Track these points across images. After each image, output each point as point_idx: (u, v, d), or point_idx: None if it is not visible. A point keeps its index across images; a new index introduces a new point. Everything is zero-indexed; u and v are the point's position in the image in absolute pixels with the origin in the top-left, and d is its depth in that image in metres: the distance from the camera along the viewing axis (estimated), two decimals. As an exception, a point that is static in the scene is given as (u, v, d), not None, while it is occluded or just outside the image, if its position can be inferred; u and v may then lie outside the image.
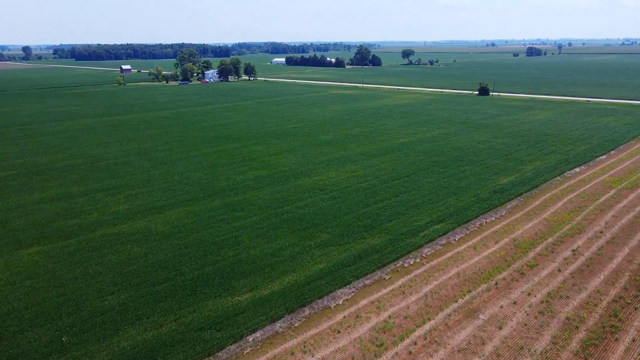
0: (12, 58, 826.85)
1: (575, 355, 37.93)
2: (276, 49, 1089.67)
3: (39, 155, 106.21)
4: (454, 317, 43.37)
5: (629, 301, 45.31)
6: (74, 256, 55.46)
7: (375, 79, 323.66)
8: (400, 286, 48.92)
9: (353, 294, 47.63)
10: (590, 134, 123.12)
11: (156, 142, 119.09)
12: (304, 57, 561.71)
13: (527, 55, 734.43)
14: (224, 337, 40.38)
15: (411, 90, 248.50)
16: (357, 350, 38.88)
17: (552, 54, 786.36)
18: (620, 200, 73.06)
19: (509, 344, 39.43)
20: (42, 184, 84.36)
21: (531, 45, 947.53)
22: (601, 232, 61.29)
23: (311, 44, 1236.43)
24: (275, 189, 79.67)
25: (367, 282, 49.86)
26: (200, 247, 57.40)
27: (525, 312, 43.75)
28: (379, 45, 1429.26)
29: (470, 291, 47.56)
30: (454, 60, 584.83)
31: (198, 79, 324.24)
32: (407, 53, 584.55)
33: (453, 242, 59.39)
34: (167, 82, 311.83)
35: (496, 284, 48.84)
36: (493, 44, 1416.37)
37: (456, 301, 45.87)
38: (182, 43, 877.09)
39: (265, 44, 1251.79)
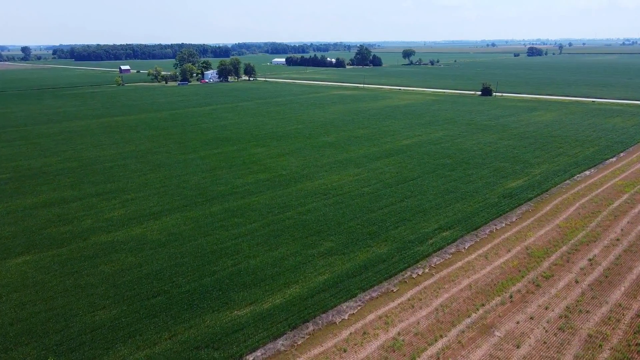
0: (11, 58, 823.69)
1: (601, 377, 35.23)
2: (276, 49, 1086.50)
3: (33, 158, 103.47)
4: (467, 333, 40.63)
5: (653, 316, 42.62)
6: (65, 266, 52.71)
7: (376, 79, 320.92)
8: (409, 299, 46.20)
9: (359, 307, 44.90)
10: (597, 136, 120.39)
11: (154, 144, 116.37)
12: (304, 58, 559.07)
13: (528, 55, 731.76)
14: (222, 358, 37.61)
15: (413, 90, 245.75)
16: (365, 372, 36.18)
17: (553, 54, 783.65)
18: (634, 205, 70.32)
19: (528, 364, 36.72)
20: (35, 188, 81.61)
21: (532, 45, 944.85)
22: (617, 239, 58.54)
23: (311, 44, 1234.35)
24: (276, 193, 76.95)
25: (374, 294, 47.13)
26: (197, 257, 54.66)
27: (544, 328, 41.01)
28: (378, 46, 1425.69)
29: (483, 305, 44.82)
30: (455, 61, 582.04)
31: (197, 80, 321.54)
32: (407, 53, 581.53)
33: (463, 250, 56.65)
34: (166, 83, 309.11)
35: (511, 296, 46.10)
36: (493, 44, 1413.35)
37: (469, 316, 43.13)
38: (182, 43, 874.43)
39: (265, 44, 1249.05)
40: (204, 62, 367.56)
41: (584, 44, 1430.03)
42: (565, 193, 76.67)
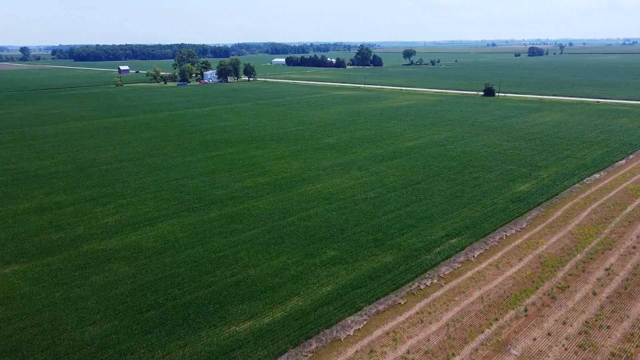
0: (9, 59, 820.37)
1: (628, 401, 32.65)
2: (276, 49, 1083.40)
3: (27, 161, 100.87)
4: (481, 351, 38.05)
5: (679, 332, 40.03)
6: (55, 277, 50.12)
7: (377, 79, 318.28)
8: (417, 312, 43.61)
9: (365, 322, 42.30)
10: (605, 137, 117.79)
11: (151, 146, 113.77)
12: (304, 58, 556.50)
13: (529, 56, 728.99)
14: (219, 379, 35.08)
15: (414, 91, 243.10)
16: (373, 395, 33.61)
17: (554, 54, 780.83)
18: (648, 211, 67.73)
19: (548, 386, 34.16)
20: (28, 192, 79.01)
21: (532, 45, 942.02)
22: (634, 247, 55.97)
23: (311, 44, 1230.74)
24: (276, 197, 74.37)
25: (380, 307, 44.52)
26: (194, 266, 52.08)
27: (563, 346, 38.43)
28: (379, 46, 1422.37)
29: (497, 319, 42.23)
30: (456, 61, 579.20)
31: (197, 80, 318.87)
32: (408, 53, 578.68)
33: (472, 259, 54.05)
34: (165, 83, 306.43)
35: (525, 310, 43.50)
36: (494, 44, 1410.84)
37: (482, 332, 40.54)
38: (181, 43, 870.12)
39: (265, 44, 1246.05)
40: (203, 62, 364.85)
41: (584, 44, 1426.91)
42: (576, 197, 74.09)
